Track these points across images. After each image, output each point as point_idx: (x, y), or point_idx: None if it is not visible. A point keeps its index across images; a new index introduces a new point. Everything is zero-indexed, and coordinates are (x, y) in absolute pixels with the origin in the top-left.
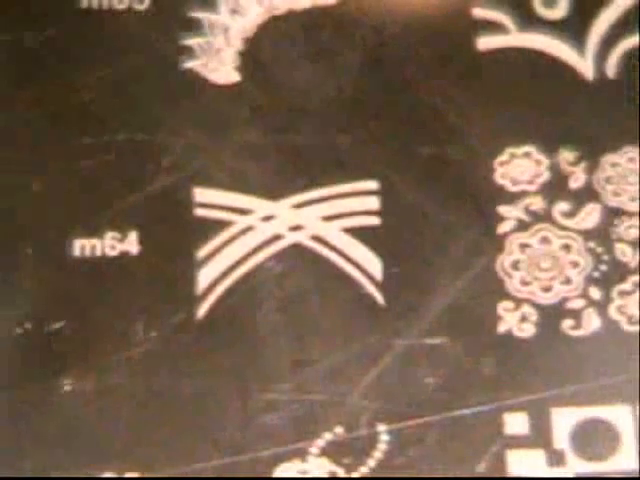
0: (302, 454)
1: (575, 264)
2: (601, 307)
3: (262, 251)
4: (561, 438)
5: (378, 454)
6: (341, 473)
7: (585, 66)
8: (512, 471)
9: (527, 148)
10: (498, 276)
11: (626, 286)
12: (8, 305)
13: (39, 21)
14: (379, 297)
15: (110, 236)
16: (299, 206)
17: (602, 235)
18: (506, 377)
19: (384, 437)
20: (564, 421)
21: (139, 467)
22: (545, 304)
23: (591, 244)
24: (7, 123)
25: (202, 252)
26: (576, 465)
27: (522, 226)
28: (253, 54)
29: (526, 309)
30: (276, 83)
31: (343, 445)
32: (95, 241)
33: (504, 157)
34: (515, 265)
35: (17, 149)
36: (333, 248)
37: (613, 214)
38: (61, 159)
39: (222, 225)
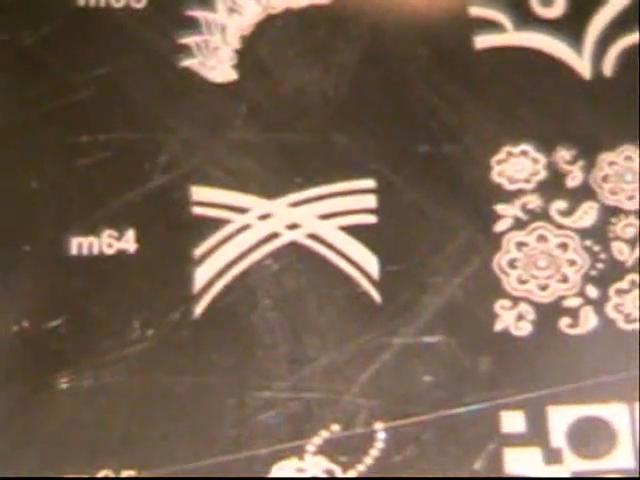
0: (299, 452)
1: (572, 262)
2: (598, 305)
3: (259, 249)
4: (558, 436)
5: (375, 452)
6: (338, 471)
7: (582, 65)
8: (509, 469)
9: (524, 146)
10: (495, 274)
11: (623, 284)
12: (5, 303)
13: (36, 19)
14: (376, 295)
15: (107, 234)
16: (296, 204)
17: (599, 233)
18: (503, 375)
19: (381, 435)
20: (561, 419)
21: (136, 465)
22: (542, 302)
23: (588, 242)
24: (4, 121)
25: (199, 250)
26: (573, 463)
27: (519, 224)
28: (250, 52)
29: (523, 307)
30: (273, 81)
31: (340, 443)
32: (92, 239)
33: (501, 155)
34: (512, 263)
35: (14, 147)
36: (330, 246)
37: (610, 212)
38: (58, 157)
39: (219, 223)
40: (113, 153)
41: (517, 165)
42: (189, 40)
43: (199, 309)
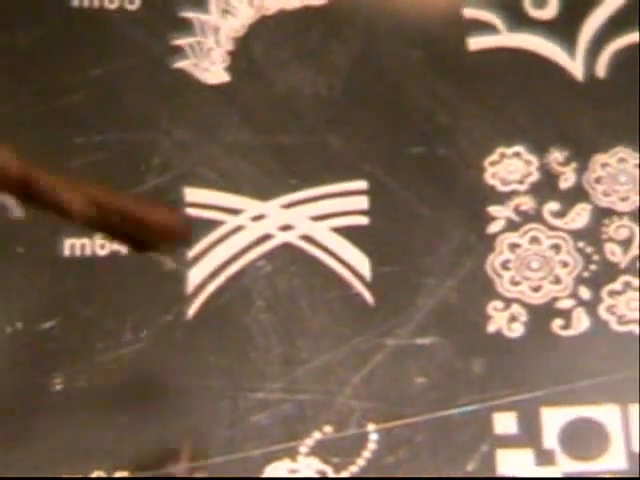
0: (292, 453)
1: (565, 264)
2: (591, 307)
3: (252, 251)
4: (550, 438)
5: (367, 454)
6: (330, 472)
7: (575, 66)
8: (501, 471)
9: (517, 148)
10: (488, 276)
11: (616, 286)
12: None
13: (30, 20)
14: (369, 297)
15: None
16: (289, 206)
17: (592, 235)
18: (496, 377)
19: (373, 437)
20: (553, 421)
21: (129, 466)
22: (535, 304)
23: (581, 244)
24: None
25: (192, 251)
26: (565, 464)
27: (512, 226)
28: (244, 54)
29: (516, 309)
30: (266, 83)
31: (332, 444)
32: (85, 241)
33: (494, 157)
34: (505, 265)
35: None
36: (323, 248)
37: (603, 214)
38: (52, 158)
39: (212, 225)
40: (107, 154)
41: (510, 167)
42: (182, 42)
43: (192, 310)
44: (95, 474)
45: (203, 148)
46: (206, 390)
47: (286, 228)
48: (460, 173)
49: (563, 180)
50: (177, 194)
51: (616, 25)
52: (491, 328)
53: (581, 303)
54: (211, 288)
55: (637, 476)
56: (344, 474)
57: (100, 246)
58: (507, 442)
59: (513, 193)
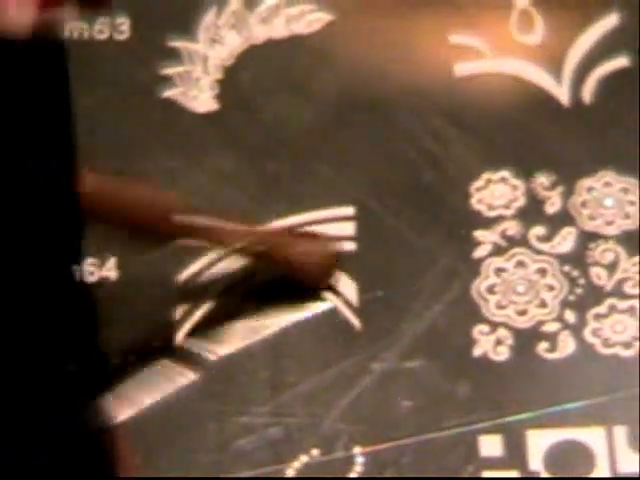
0: (279, 476)
1: (551, 288)
2: (576, 330)
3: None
4: (536, 460)
5: (354, 476)
6: None
7: (561, 92)
8: None
9: (503, 173)
10: (474, 300)
11: (601, 309)
12: None
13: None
14: (355, 321)
15: (89, 262)
16: None
17: (578, 259)
18: (481, 400)
19: (360, 459)
20: (539, 443)
21: None
22: (520, 327)
23: (567, 268)
24: None
25: (181, 277)
26: None
27: (498, 250)
28: (232, 82)
29: (501, 332)
30: (254, 111)
31: (319, 467)
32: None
33: (480, 182)
34: (491, 289)
35: None
36: None
37: (589, 238)
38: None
39: (201, 251)
40: None
41: (496, 192)
42: (171, 71)
43: (181, 335)
44: None
45: (191, 175)
46: (193, 413)
47: None
48: (446, 199)
49: (549, 204)
50: None
51: (602, 51)
52: (477, 352)
53: (567, 326)
54: (199, 313)
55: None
56: None
57: (89, 273)
58: (493, 464)
59: (499, 218)
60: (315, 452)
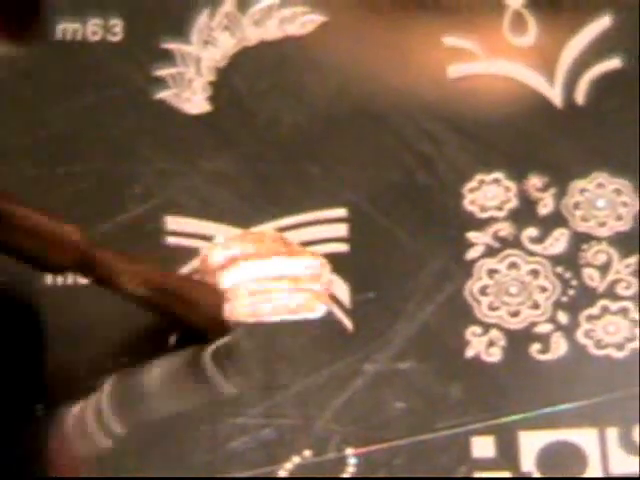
0: (271, 477)
1: (543, 289)
2: (569, 331)
3: None
4: (528, 461)
5: (346, 477)
6: None
7: (554, 93)
8: None
9: (496, 174)
10: (467, 301)
11: (594, 311)
12: None
13: (12, 52)
14: (348, 323)
15: None
16: None
17: (570, 260)
18: (474, 401)
19: (352, 460)
20: (531, 444)
21: None
22: (513, 329)
23: (559, 269)
24: None
25: None
26: None
27: (491, 252)
28: (225, 84)
29: (494, 334)
30: (247, 113)
31: (312, 468)
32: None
33: (473, 183)
34: (483, 290)
35: None
36: None
37: (581, 239)
38: (34, 189)
39: (192, 252)
40: (89, 184)
41: (489, 193)
42: (164, 72)
43: (173, 337)
44: None
45: (184, 177)
46: (185, 415)
47: None
48: (439, 200)
49: (542, 206)
50: (157, 223)
51: (595, 52)
52: (469, 353)
53: (559, 328)
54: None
55: (636, 477)
56: None
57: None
58: (485, 465)
59: (492, 219)
60: (307, 453)
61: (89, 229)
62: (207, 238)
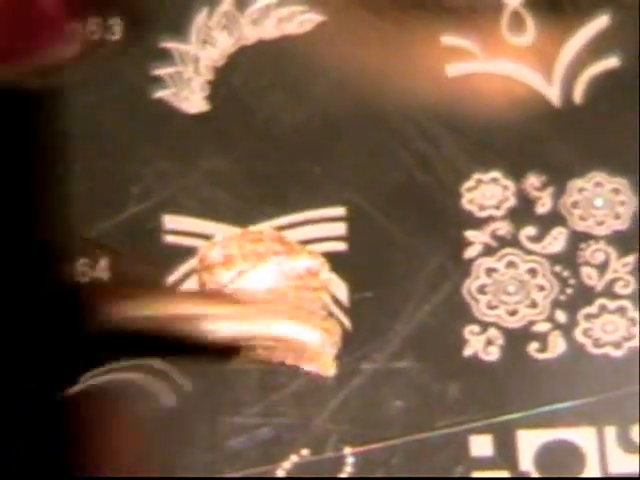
0: (269, 476)
1: (541, 288)
2: (567, 330)
3: None
4: (526, 460)
5: (344, 476)
6: None
7: (552, 92)
8: None
9: (494, 174)
10: (465, 300)
11: (592, 309)
12: None
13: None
14: (346, 321)
15: (81, 263)
16: None
17: (568, 259)
18: (472, 400)
19: (350, 460)
20: (529, 443)
21: None
22: (511, 328)
23: (557, 268)
24: None
25: (172, 278)
26: None
27: (489, 251)
28: (223, 83)
29: (492, 333)
30: (246, 112)
31: (309, 468)
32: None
33: (471, 183)
34: (481, 289)
35: None
36: None
37: (579, 238)
38: (33, 188)
39: (191, 252)
40: (88, 183)
41: (487, 192)
42: (162, 71)
43: None
44: None
45: (182, 176)
46: (184, 414)
47: None
48: (437, 199)
49: (540, 205)
50: (156, 221)
51: (593, 52)
52: (467, 352)
53: (557, 327)
54: None
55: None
56: None
57: (81, 274)
58: (483, 464)
59: (490, 218)
60: (305, 452)
61: (89, 228)
62: (206, 237)
